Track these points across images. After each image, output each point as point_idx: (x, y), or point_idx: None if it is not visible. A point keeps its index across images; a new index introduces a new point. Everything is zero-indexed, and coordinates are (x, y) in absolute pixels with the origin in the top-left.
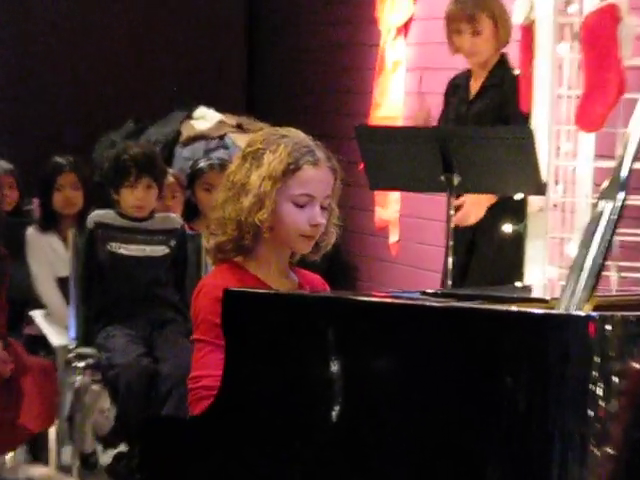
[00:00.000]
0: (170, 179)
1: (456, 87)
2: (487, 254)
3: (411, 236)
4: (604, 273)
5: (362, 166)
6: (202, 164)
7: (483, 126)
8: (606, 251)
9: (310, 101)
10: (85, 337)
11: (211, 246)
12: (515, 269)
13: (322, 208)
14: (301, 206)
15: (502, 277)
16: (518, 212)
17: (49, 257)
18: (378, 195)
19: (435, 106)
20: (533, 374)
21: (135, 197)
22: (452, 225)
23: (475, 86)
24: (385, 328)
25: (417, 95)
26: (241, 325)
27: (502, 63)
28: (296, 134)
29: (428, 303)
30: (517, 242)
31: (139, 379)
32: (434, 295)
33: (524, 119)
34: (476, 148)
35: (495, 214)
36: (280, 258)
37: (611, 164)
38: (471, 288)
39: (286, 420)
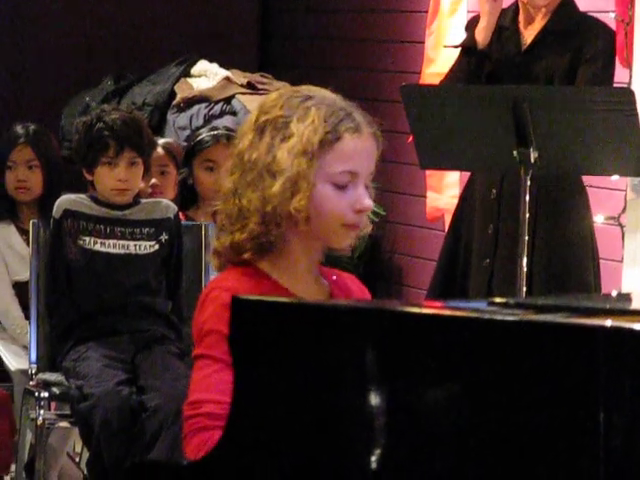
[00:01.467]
0: (159, 151)
1: (500, 30)
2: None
3: None
4: None
5: (410, 138)
6: (203, 135)
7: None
8: None
9: (340, 55)
10: (50, 360)
11: (224, 246)
12: (587, 270)
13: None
14: (342, 187)
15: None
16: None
17: (3, 255)
18: (431, 176)
19: None
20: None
21: (115, 177)
22: (527, 214)
23: (531, 32)
24: (445, 347)
25: None
26: (254, 342)
27: (567, 4)
28: (323, 94)
29: (500, 316)
30: (590, 235)
31: (119, 414)
32: (505, 305)
33: (609, 78)
34: (561, 115)
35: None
36: (311, 257)
37: None
38: (551, 296)
39: (315, 467)
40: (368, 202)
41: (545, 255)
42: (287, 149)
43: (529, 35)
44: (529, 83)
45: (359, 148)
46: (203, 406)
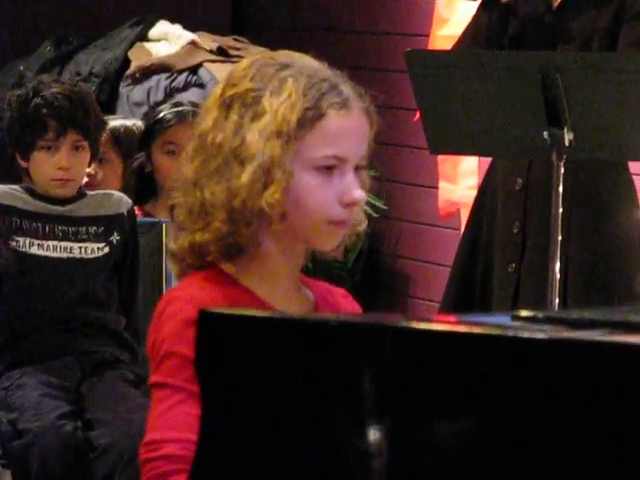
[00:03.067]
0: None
1: None
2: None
3: None
4: None
5: (418, 116)
6: (164, 112)
7: (595, 51)
8: None
9: (331, 15)
10: None
11: (182, 248)
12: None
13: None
14: (326, 175)
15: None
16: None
17: None
18: (444, 163)
19: None
20: None
21: (55, 165)
22: (560, 209)
23: None
24: (459, 372)
25: None
26: (226, 366)
27: None
28: (303, 62)
29: (526, 334)
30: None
31: (61, 455)
32: (533, 320)
33: None
34: (600, 87)
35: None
36: (291, 263)
37: None
38: (589, 309)
39: None
40: (359, 193)
41: (582, 259)
42: (258, 130)
43: None
44: (562, 48)
45: (347, 127)
46: (162, 447)
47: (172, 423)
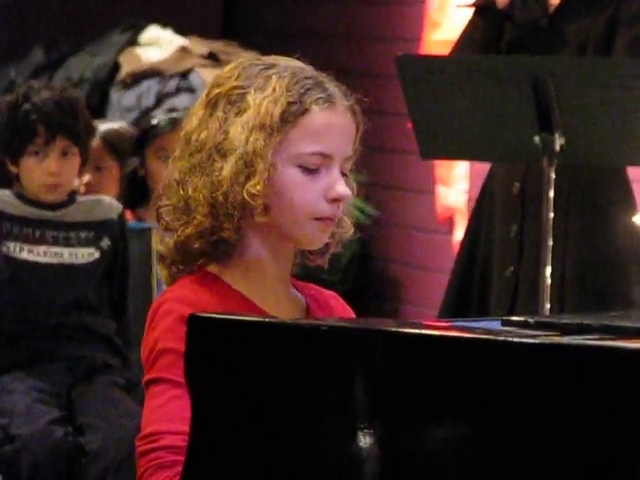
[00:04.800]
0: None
1: None
2: (590, 258)
3: None
4: None
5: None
6: (156, 118)
7: (590, 55)
8: None
9: (321, 19)
10: None
11: (168, 249)
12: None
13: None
14: (311, 171)
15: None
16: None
17: None
18: (440, 167)
19: None
20: None
21: (45, 170)
22: (551, 215)
23: None
24: (450, 377)
25: None
26: (215, 371)
27: None
28: (288, 62)
29: (517, 338)
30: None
31: (52, 460)
32: (524, 325)
33: None
34: (592, 92)
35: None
36: (280, 262)
37: None
38: (582, 314)
39: None
40: (344, 189)
41: (580, 264)
42: (241, 123)
43: None
44: (557, 53)
45: (332, 123)
46: (162, 438)
47: (170, 416)
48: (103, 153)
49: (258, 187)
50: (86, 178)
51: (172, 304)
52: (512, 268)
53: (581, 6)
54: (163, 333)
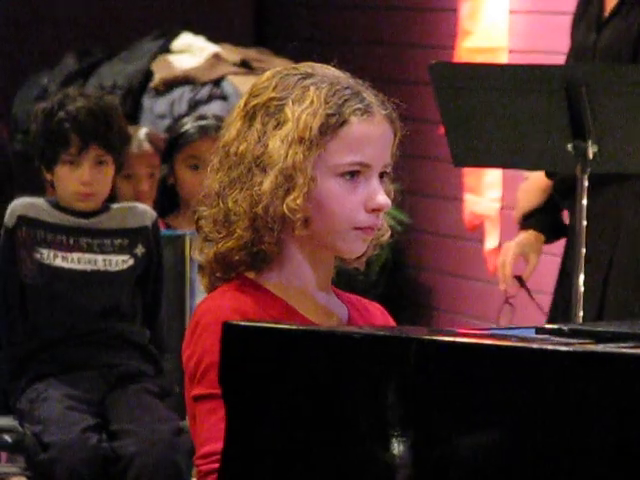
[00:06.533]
0: (145, 147)
1: (587, 4)
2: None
3: None
4: None
5: (441, 129)
6: (187, 126)
7: (616, 61)
8: None
9: (354, 26)
10: (0, 400)
11: (208, 259)
12: None
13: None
14: (351, 182)
15: None
16: None
17: None
18: (469, 175)
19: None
20: None
21: (78, 178)
22: (584, 222)
23: (611, 2)
24: (485, 384)
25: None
26: (250, 378)
27: None
28: (324, 71)
29: (551, 346)
30: None
31: (88, 467)
32: (558, 333)
33: None
34: (625, 100)
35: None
36: (320, 271)
37: None
38: (615, 322)
39: None
40: (384, 199)
41: (627, 266)
42: (280, 137)
43: (609, 5)
44: (599, 60)
45: (370, 134)
46: None
47: None
48: (155, 159)
49: (298, 201)
50: (140, 185)
51: (216, 314)
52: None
53: (624, 15)
54: (210, 345)
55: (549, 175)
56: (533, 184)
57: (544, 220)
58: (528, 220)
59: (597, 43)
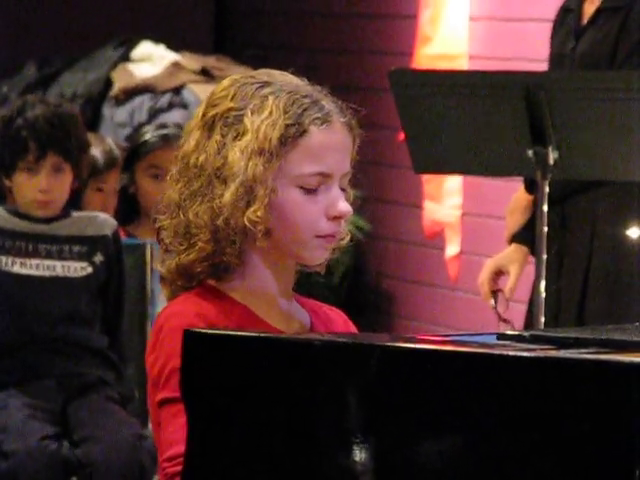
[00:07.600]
0: (117, 162)
1: (566, 13)
2: (606, 272)
3: (479, 247)
4: None
5: (402, 136)
6: (148, 135)
7: (593, 69)
8: None
9: (313, 33)
10: None
11: (170, 270)
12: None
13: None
14: (312, 191)
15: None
16: None
17: None
18: (429, 183)
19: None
20: None
21: (36, 187)
22: (544, 228)
23: (589, 10)
24: (445, 391)
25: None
26: (211, 385)
27: None
28: (284, 79)
29: (511, 352)
30: None
31: (48, 474)
32: (519, 339)
33: None
34: (586, 106)
35: (614, 212)
36: (282, 278)
37: None
38: (577, 328)
39: None
40: (345, 206)
41: (604, 271)
42: (240, 148)
43: (587, 15)
44: (577, 67)
45: (330, 143)
46: None
47: None
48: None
49: (259, 213)
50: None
51: (180, 319)
52: (554, 287)
53: (598, 24)
54: (174, 350)
55: (529, 190)
56: (515, 204)
57: (527, 233)
58: (514, 237)
59: (575, 50)
